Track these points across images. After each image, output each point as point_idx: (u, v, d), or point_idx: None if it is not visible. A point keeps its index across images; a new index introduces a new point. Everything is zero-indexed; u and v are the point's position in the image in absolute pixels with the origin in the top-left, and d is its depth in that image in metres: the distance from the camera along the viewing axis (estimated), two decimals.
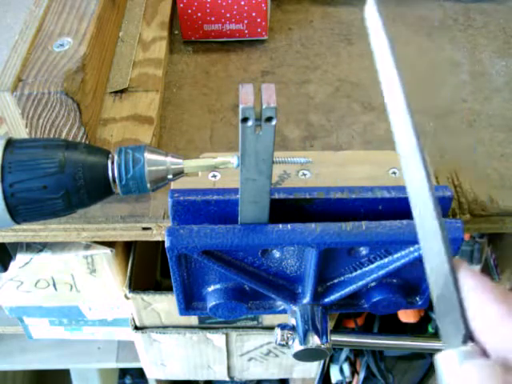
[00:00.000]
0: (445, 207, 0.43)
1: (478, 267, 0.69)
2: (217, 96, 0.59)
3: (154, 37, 0.61)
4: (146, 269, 0.78)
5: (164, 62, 0.59)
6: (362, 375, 1.00)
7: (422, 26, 0.67)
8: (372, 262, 0.45)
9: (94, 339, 0.88)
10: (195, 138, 0.54)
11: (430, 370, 1.02)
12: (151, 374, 0.92)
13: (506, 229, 0.49)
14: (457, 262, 0.26)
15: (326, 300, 0.47)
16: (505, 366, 0.23)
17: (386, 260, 0.44)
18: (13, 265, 0.64)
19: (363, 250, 0.44)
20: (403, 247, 0.43)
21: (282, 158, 0.39)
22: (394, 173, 0.45)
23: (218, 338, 0.78)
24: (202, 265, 0.44)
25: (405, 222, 0.41)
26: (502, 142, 0.54)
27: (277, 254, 0.44)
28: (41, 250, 0.65)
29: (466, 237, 0.69)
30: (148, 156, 0.37)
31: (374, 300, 0.47)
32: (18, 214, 0.36)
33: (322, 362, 0.94)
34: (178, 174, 0.38)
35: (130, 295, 0.69)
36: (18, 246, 0.64)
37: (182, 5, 0.61)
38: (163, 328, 0.76)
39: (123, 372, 1.28)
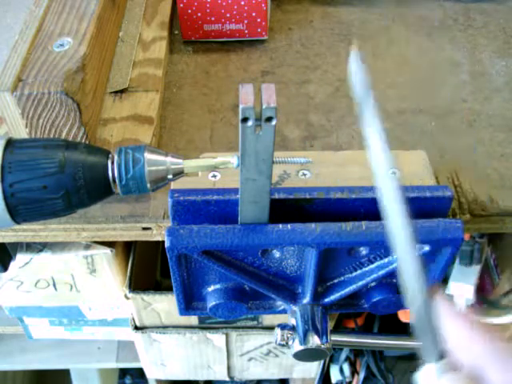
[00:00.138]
0: (445, 207, 0.43)
1: (478, 267, 0.69)
2: (217, 96, 0.59)
3: (153, 37, 0.61)
4: (146, 269, 0.78)
5: (164, 62, 0.59)
6: (361, 375, 1.00)
7: (422, 25, 0.67)
8: (372, 262, 0.45)
9: (94, 339, 0.88)
10: (195, 138, 0.54)
11: None
12: (151, 374, 0.92)
13: (506, 229, 0.49)
14: (434, 288, 0.30)
15: (326, 300, 0.47)
16: (476, 380, 0.28)
17: (385, 260, 0.44)
18: (13, 265, 0.64)
19: (363, 250, 0.44)
20: None
21: (282, 158, 0.39)
22: (394, 173, 0.45)
23: (217, 338, 0.78)
24: (201, 265, 0.44)
25: None
26: (501, 142, 0.54)
27: (277, 254, 0.44)
28: (41, 250, 0.65)
29: (466, 237, 0.69)
30: (148, 156, 0.37)
31: (374, 300, 0.47)
32: (18, 214, 0.36)
33: (322, 361, 0.94)
34: (178, 174, 0.38)
35: (130, 295, 0.69)
36: (18, 246, 0.64)
37: (181, 5, 0.61)
38: (163, 328, 0.76)
39: (123, 372, 1.28)
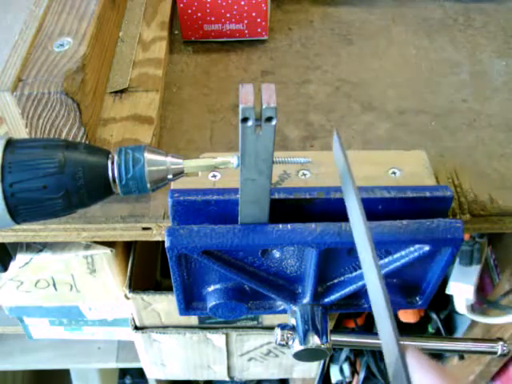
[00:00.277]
0: (445, 207, 0.43)
1: (478, 267, 0.69)
2: (217, 96, 0.59)
3: (153, 37, 0.61)
4: (146, 269, 0.79)
5: (164, 62, 0.59)
6: (361, 375, 1.00)
7: (422, 26, 0.67)
8: None
9: (94, 339, 0.88)
10: (195, 138, 0.54)
11: None
12: (151, 374, 0.92)
13: (506, 229, 0.49)
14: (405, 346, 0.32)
15: (326, 300, 0.47)
16: None
17: (385, 260, 0.44)
18: (13, 265, 0.64)
19: None
20: (403, 247, 0.43)
21: (282, 158, 0.39)
22: (394, 173, 0.45)
23: (217, 338, 0.78)
24: (202, 265, 0.44)
25: (405, 221, 0.41)
26: (501, 142, 0.54)
27: (277, 254, 0.44)
28: (41, 250, 0.65)
29: (466, 237, 0.69)
30: (148, 156, 0.37)
31: None
32: (17, 214, 0.36)
33: (322, 361, 0.94)
34: (178, 174, 0.38)
35: (130, 295, 0.69)
36: (18, 246, 0.64)
37: (182, 5, 0.61)
38: (163, 328, 0.76)
39: (123, 372, 1.28)
